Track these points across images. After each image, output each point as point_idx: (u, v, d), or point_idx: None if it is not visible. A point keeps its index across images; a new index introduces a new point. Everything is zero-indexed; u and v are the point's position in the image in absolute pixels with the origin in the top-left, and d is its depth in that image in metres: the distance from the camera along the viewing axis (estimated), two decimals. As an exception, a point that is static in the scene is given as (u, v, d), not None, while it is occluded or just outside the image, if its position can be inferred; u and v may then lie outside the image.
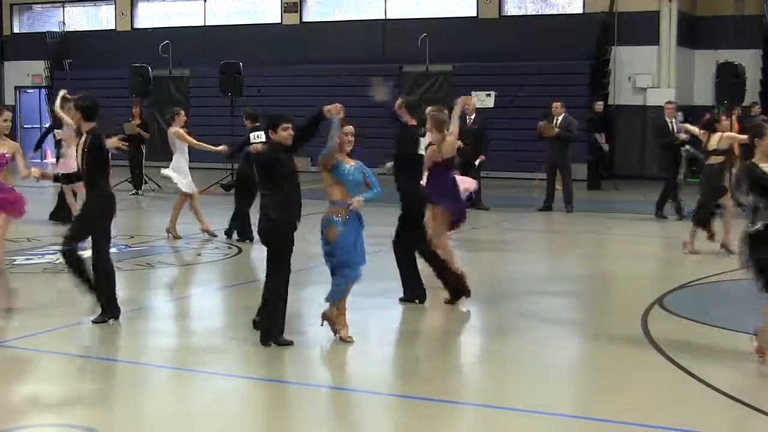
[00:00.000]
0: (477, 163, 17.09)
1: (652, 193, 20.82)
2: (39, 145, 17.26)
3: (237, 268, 12.01)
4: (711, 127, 13.02)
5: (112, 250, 12.83)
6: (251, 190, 12.63)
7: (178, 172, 13.85)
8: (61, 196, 15.10)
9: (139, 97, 21.90)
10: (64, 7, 31.78)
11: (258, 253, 12.66)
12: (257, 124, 13.53)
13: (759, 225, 7.20)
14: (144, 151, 20.40)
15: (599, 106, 22.27)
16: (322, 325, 8.12)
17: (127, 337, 8.59)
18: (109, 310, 8.59)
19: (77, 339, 8.57)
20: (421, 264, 9.67)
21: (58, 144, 15.65)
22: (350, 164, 8.02)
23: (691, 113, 22.01)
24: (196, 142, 14.06)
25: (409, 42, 25.40)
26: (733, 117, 19.97)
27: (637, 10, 24.58)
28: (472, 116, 17.82)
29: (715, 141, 12.78)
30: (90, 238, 8.62)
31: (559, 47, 24.37)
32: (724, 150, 12.78)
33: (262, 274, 11.82)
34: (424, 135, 9.96)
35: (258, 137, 13.20)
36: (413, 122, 9.69)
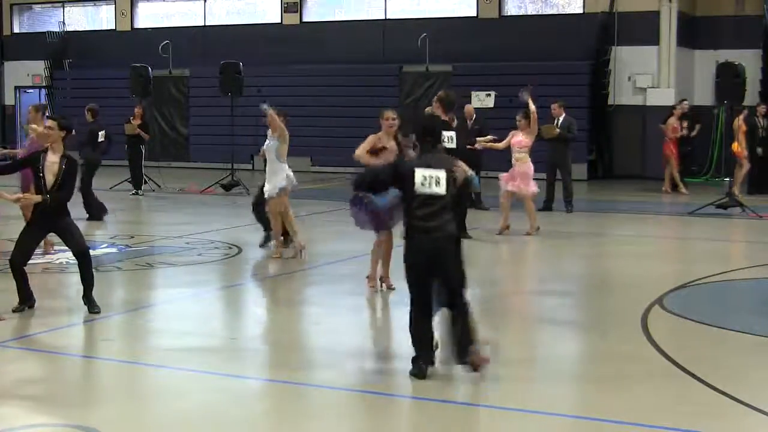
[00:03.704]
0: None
1: (655, 193, 20.89)
2: None
3: (237, 268, 12.01)
4: None
5: (112, 250, 12.92)
6: None
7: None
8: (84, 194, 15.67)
9: (141, 98, 21.85)
10: (64, 7, 31.76)
11: (258, 254, 12.69)
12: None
13: None
14: (144, 151, 20.39)
15: (685, 105, 21.65)
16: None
17: (127, 337, 8.60)
18: None
19: (77, 339, 8.58)
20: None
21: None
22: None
23: (692, 113, 21.97)
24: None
25: (409, 42, 25.39)
26: (740, 117, 20.02)
27: (637, 10, 24.56)
28: (473, 117, 17.88)
29: None
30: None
31: (559, 47, 24.37)
32: None
33: (261, 274, 11.89)
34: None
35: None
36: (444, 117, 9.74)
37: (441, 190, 6.88)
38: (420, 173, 6.87)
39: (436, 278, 6.97)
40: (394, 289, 9.98)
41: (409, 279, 7.04)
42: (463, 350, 6.91)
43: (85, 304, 8.98)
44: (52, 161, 8.79)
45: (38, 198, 8.81)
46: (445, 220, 6.91)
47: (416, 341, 7.07)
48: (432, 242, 6.88)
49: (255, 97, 22.92)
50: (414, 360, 7.03)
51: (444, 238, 6.90)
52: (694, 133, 21.42)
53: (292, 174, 12.28)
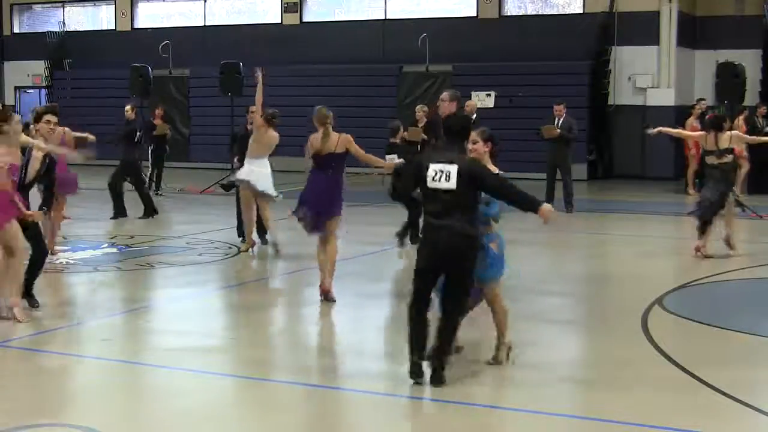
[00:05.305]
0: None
1: (655, 193, 20.91)
2: None
3: (237, 268, 12.00)
4: (719, 126, 12.76)
5: (113, 250, 12.91)
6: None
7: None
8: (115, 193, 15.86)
9: (142, 98, 21.78)
10: (64, 7, 31.75)
11: (258, 254, 12.68)
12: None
13: None
14: (168, 150, 20.63)
15: (704, 105, 21.16)
16: None
17: (127, 337, 8.60)
18: None
19: (77, 339, 8.58)
20: None
21: None
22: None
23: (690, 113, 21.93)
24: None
25: (409, 42, 25.39)
26: (741, 118, 19.98)
27: (637, 10, 24.57)
28: (473, 116, 17.86)
29: (725, 140, 12.51)
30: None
31: (559, 47, 24.36)
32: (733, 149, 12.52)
33: (261, 274, 11.89)
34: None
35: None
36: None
37: (451, 185, 6.67)
38: (433, 168, 6.72)
39: (445, 275, 6.81)
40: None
41: (416, 276, 6.89)
42: (436, 352, 6.81)
43: (24, 297, 8.93)
44: (36, 156, 8.80)
45: (40, 215, 8.85)
46: (456, 218, 6.67)
47: (412, 340, 6.92)
48: (442, 240, 6.68)
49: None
50: (412, 361, 6.88)
51: (455, 235, 6.67)
52: None
53: (249, 174, 12.16)
